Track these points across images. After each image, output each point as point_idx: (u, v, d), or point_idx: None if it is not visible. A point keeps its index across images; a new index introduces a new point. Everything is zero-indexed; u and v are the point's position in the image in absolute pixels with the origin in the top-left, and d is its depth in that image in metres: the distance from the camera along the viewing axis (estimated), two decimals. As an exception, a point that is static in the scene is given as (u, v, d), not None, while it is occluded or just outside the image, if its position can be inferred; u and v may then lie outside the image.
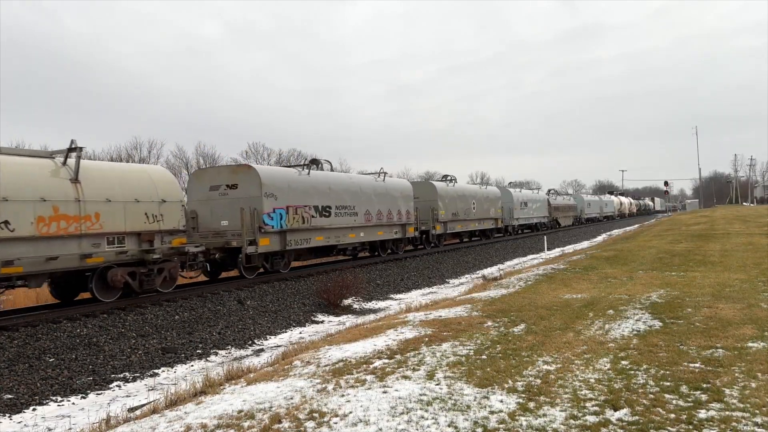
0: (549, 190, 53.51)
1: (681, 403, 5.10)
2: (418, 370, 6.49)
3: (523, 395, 5.46)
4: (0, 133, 56.50)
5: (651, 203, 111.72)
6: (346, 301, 15.91)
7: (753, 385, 5.49)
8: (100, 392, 8.83)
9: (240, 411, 5.52)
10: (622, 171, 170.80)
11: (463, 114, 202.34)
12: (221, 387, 6.76)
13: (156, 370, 9.93)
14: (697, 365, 6.21)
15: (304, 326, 13.62)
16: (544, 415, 4.93)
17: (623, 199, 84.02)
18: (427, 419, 4.96)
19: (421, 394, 5.60)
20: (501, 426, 4.74)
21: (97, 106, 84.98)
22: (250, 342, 12.01)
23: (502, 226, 35.96)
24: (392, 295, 17.91)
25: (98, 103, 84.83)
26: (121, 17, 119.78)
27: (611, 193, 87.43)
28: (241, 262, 16.28)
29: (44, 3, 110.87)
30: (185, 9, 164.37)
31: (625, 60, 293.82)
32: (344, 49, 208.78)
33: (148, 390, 8.77)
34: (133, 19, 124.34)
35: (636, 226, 54.53)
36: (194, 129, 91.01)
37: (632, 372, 6.07)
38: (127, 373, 9.66)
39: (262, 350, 11.27)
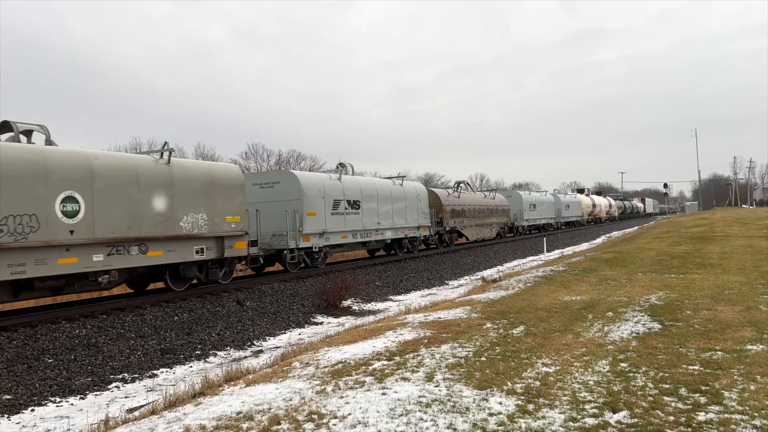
0: (459, 183, 34.06)
1: (680, 405, 5.10)
2: (417, 371, 6.49)
3: (522, 397, 5.46)
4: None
5: (641, 205, 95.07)
6: (346, 303, 15.90)
7: (752, 387, 5.49)
8: (98, 393, 8.82)
9: (239, 412, 5.52)
10: (622, 173, 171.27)
11: (465, 116, 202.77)
12: (220, 388, 6.75)
13: (155, 371, 9.93)
14: (696, 367, 6.21)
15: (303, 327, 13.62)
16: (543, 417, 4.93)
17: (598, 199, 66.00)
18: (426, 421, 4.96)
19: (420, 396, 5.60)
20: (500, 428, 4.74)
21: (98, 107, 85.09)
22: (249, 343, 12.00)
23: (267, 252, 17.34)
24: (391, 297, 17.91)
25: (98, 103, 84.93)
26: (126, 19, 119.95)
27: (581, 191, 70.87)
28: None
29: (50, 3, 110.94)
30: (190, 11, 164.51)
31: (626, 62, 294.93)
32: (347, 51, 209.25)
33: (147, 391, 8.76)
34: (139, 21, 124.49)
35: (636, 228, 54.57)
36: (194, 129, 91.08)
37: (631, 374, 6.07)
38: (125, 374, 9.65)
39: (261, 351, 11.26)
